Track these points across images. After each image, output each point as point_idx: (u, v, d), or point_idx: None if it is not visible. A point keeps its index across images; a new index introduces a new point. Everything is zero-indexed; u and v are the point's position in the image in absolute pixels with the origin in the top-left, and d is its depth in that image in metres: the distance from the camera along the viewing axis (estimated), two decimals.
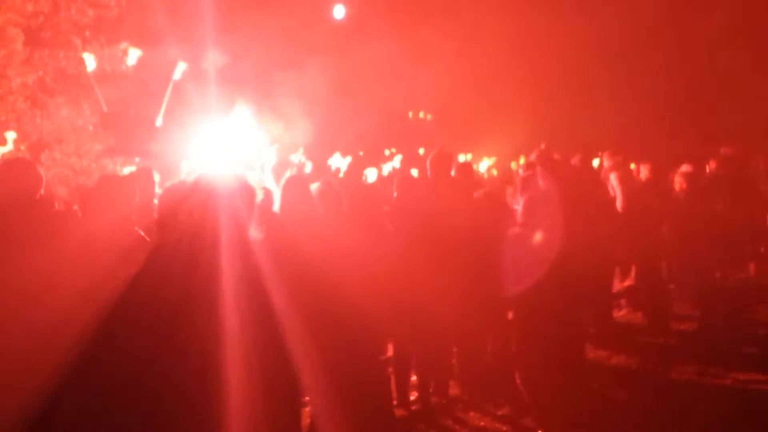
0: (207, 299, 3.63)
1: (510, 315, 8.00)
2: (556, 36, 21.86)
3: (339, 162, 13.05)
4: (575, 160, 10.18)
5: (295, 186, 6.64)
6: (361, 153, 15.49)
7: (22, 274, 4.45)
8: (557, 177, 8.19)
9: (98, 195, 5.47)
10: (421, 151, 16.26)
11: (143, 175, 7.01)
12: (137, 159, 9.98)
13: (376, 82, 20.21)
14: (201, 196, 3.77)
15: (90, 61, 12.26)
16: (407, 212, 7.22)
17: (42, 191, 5.24)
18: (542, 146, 11.04)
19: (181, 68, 12.61)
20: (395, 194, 7.84)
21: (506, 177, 12.93)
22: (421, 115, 25.49)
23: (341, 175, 12.14)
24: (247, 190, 3.94)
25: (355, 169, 12.31)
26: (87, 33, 14.24)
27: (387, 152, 16.82)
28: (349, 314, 5.74)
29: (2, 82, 12.56)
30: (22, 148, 12.86)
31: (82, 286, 4.31)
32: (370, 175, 12.48)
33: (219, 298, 3.64)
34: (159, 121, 12.02)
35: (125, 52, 13.34)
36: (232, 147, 10.26)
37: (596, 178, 10.22)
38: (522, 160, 15.16)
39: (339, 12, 20.97)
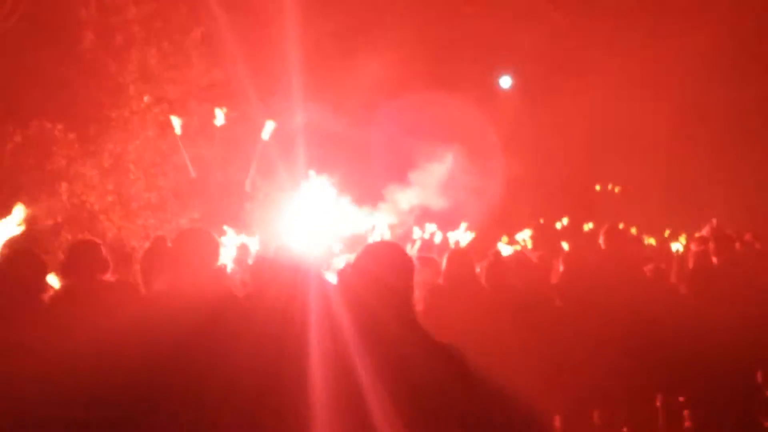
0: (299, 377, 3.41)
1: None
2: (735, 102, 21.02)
3: (460, 235, 12.36)
4: (748, 237, 9.83)
5: (463, 259, 6.71)
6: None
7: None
8: (731, 253, 7.92)
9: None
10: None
11: None
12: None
13: (556, 151, 20.01)
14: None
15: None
16: (578, 288, 7.10)
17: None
18: (713, 221, 10.73)
19: (269, 127, 12.42)
20: (561, 268, 7.76)
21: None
22: (609, 187, 24.88)
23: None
24: (405, 262, 3.56)
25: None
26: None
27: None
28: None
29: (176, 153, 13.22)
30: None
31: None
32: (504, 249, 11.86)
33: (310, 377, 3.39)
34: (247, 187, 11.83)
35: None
36: (343, 215, 9.95)
37: None
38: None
39: (506, 82, 21.10)
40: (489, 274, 6.74)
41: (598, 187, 24.70)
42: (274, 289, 4.81)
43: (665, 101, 20.28)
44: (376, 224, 11.28)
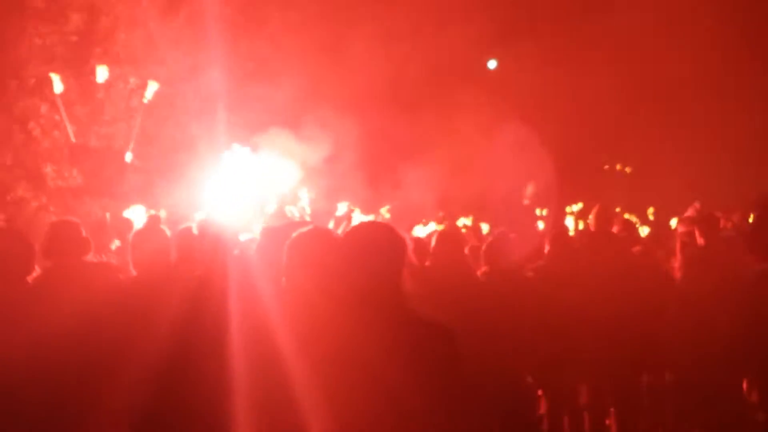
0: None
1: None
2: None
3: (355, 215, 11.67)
4: (735, 217, 9.83)
5: (453, 240, 6.70)
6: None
7: None
8: (717, 234, 7.90)
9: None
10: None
11: None
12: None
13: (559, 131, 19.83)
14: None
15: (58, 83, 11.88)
16: (559, 269, 7.09)
17: None
18: (696, 204, 10.71)
19: (153, 88, 11.95)
20: (546, 249, 7.73)
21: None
22: (619, 167, 24.41)
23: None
24: (400, 240, 3.30)
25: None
26: None
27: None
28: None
29: None
30: None
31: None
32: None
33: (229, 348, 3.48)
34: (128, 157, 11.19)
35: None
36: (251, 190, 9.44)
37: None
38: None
39: (492, 64, 20.95)
40: (489, 254, 6.71)
41: (606, 167, 24.36)
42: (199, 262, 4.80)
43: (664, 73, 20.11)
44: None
